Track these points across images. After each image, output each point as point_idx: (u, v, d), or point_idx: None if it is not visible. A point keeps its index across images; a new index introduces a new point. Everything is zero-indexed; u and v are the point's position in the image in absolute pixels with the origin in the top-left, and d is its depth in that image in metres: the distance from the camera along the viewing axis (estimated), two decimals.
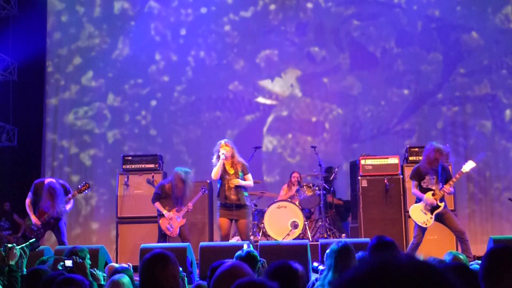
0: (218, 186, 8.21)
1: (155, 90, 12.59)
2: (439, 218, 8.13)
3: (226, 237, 8.25)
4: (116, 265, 5.90)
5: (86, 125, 12.57)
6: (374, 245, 4.44)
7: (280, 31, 12.57)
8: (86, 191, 9.33)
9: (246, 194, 8.28)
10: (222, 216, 8.16)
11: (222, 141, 8.20)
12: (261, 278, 2.44)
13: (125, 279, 4.25)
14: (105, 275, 5.39)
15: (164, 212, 9.04)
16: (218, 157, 8.08)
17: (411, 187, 8.35)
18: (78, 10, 12.90)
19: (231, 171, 8.11)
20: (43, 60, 12.74)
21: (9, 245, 5.32)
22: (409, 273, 1.11)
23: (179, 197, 9.06)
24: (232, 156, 8.11)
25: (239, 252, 5.14)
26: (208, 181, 10.57)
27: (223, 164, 8.12)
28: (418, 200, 8.22)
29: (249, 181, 8.25)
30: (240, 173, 8.15)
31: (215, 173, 8.08)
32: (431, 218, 8.06)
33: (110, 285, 4.17)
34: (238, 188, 8.11)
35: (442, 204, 8.05)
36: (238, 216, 8.12)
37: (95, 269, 5.43)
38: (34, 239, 6.01)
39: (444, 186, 8.01)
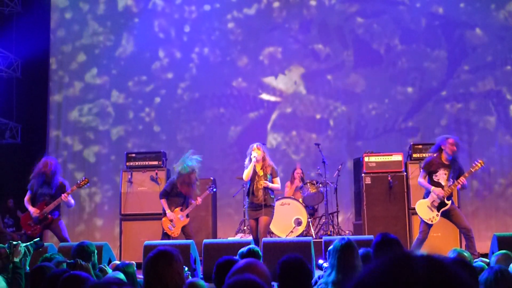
0: (248, 186, 8.41)
1: (158, 87, 12.59)
2: (446, 215, 8.07)
3: (257, 239, 8.36)
4: (119, 262, 5.90)
5: (90, 122, 12.58)
6: (378, 242, 4.43)
7: (284, 28, 12.55)
8: (85, 185, 9.28)
9: (272, 196, 8.44)
10: (250, 217, 8.39)
11: (254, 145, 8.43)
12: (252, 276, 2.43)
13: (120, 275, 4.25)
14: (111, 271, 5.40)
15: (168, 211, 9.03)
16: (250, 159, 8.30)
17: (419, 176, 8.28)
18: (82, 7, 12.90)
19: (261, 173, 8.30)
20: (47, 57, 12.75)
21: (14, 243, 5.33)
22: (426, 273, 1.10)
23: (189, 188, 9.07)
24: (263, 159, 8.32)
25: (241, 250, 5.15)
26: (212, 178, 10.57)
27: (254, 166, 8.31)
28: (426, 195, 8.16)
29: (276, 184, 8.44)
30: (268, 176, 8.33)
31: (247, 174, 8.29)
32: (437, 215, 8.00)
33: None
34: (266, 189, 8.28)
35: (449, 202, 7.99)
36: (263, 213, 8.26)
37: (105, 265, 5.44)
38: (38, 238, 6.02)
39: (458, 179, 7.94)
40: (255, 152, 8.26)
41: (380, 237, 4.46)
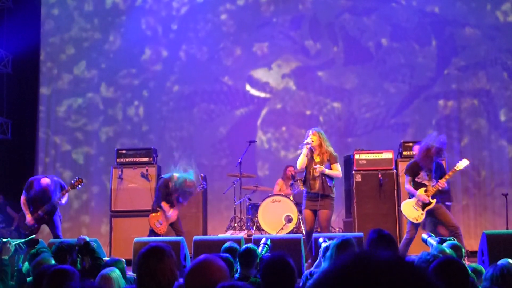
0: (304, 174, 8.04)
1: (147, 80, 12.57)
2: (432, 214, 8.12)
3: (310, 231, 8.05)
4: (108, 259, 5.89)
5: (78, 121, 12.53)
6: (374, 239, 4.45)
7: (274, 24, 12.54)
8: (79, 186, 9.27)
9: (330, 185, 8.00)
10: (306, 207, 8.00)
11: (310, 130, 8.09)
12: (242, 283, 2.46)
13: (114, 273, 4.24)
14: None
15: (169, 213, 8.88)
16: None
17: (405, 182, 8.35)
18: (69, 4, 12.85)
19: (317, 159, 7.92)
20: (38, 53, 12.71)
21: (4, 240, 5.29)
22: (387, 270, 1.08)
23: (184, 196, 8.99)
24: (320, 145, 7.93)
25: (226, 245, 5.20)
26: (202, 175, 10.57)
27: (311, 153, 7.98)
28: (411, 196, 8.22)
29: (336, 171, 8.02)
30: (326, 162, 7.95)
31: (300, 162, 7.95)
32: (422, 214, 8.05)
33: (100, 279, 4.14)
34: (323, 177, 7.88)
35: (434, 201, 8.04)
36: (322, 206, 7.90)
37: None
38: (33, 236, 5.98)
39: (439, 181, 8.02)
40: (310, 139, 7.90)
41: (376, 233, 4.48)
